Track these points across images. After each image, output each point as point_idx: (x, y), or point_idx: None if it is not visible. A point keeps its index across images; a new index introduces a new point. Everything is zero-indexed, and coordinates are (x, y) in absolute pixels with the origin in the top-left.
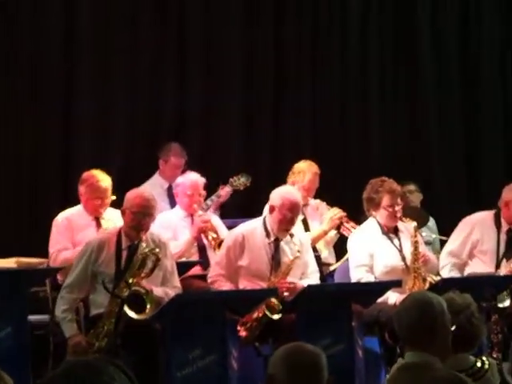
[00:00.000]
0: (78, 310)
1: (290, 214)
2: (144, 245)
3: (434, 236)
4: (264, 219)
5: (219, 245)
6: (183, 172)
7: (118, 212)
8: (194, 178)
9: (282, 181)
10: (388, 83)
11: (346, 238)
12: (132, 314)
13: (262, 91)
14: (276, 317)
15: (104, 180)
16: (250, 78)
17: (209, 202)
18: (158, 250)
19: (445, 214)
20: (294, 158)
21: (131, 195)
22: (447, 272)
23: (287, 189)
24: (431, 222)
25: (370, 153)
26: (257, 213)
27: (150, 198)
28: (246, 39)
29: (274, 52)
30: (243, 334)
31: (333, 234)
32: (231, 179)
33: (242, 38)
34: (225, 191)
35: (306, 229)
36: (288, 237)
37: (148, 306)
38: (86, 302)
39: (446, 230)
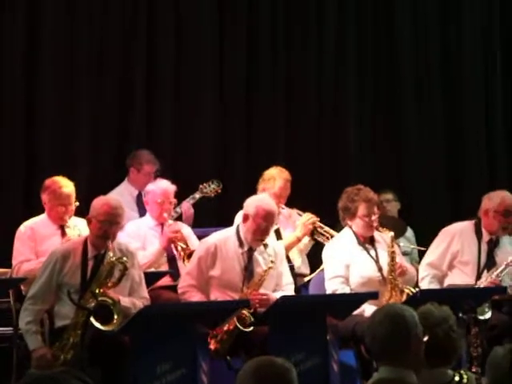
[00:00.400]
0: (42, 321)
1: (264, 224)
2: (111, 254)
3: (411, 247)
4: (237, 228)
5: (189, 256)
6: (154, 179)
7: (83, 220)
8: (164, 186)
9: (256, 188)
10: (368, 88)
11: (321, 246)
12: (99, 325)
13: (235, 95)
14: (247, 329)
15: (67, 186)
16: (221, 82)
17: (178, 209)
18: (125, 258)
19: (423, 223)
20: (267, 163)
21: (97, 203)
22: (427, 284)
23: (262, 197)
24: (409, 233)
25: (346, 160)
26: (229, 221)
27: (117, 206)
28: (218, 42)
29: (246, 53)
30: (214, 346)
31: (306, 240)
32: (201, 186)
33: (214, 39)
34: (184, 207)
35: (279, 238)
36: (262, 247)
37: (115, 317)
38: (50, 313)
39: (424, 240)
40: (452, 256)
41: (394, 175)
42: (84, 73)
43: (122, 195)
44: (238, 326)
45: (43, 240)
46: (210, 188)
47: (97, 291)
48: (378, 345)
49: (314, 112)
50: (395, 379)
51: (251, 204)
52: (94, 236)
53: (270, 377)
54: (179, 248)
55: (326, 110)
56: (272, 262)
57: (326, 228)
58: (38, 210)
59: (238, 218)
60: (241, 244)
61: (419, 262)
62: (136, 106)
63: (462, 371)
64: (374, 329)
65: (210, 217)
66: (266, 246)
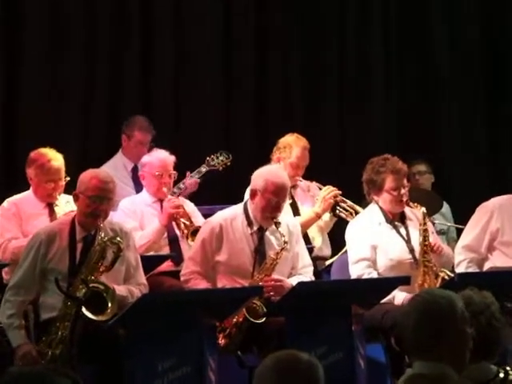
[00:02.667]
0: (26, 314)
1: (275, 199)
2: (102, 234)
3: (448, 224)
4: (245, 205)
5: (193, 233)
6: (149, 150)
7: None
8: (162, 157)
9: (268, 160)
10: (396, 58)
11: (344, 223)
12: (91, 315)
13: (243, 51)
14: (259, 321)
15: (56, 159)
16: (228, 35)
17: (175, 189)
18: (119, 239)
19: (461, 198)
20: (282, 132)
21: (85, 177)
22: (463, 269)
23: (271, 169)
24: (445, 208)
25: (372, 126)
26: (238, 198)
27: (108, 180)
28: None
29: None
30: (222, 341)
31: (327, 217)
32: (208, 158)
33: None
34: (189, 183)
35: (296, 214)
36: (273, 226)
37: (109, 305)
38: (35, 304)
39: (462, 217)
40: (491, 236)
41: (427, 145)
42: (77, 29)
43: (115, 169)
44: (248, 317)
45: (28, 220)
46: (218, 160)
47: (87, 277)
48: (408, 337)
49: (334, 73)
50: (431, 375)
51: (259, 177)
52: (83, 214)
53: (295, 374)
54: (182, 226)
55: (349, 72)
56: (285, 242)
57: (350, 203)
58: (20, 186)
59: (248, 193)
60: (250, 223)
61: (457, 241)
62: (132, 66)
63: (507, 367)
64: (404, 319)
65: (217, 193)
66: (278, 224)
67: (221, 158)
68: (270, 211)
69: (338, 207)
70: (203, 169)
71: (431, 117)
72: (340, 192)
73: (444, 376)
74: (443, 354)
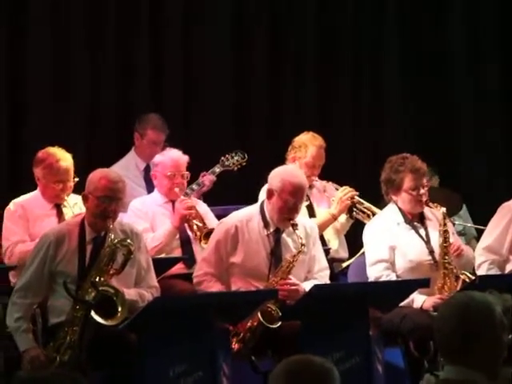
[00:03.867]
0: (34, 317)
1: (292, 200)
2: (112, 236)
3: (468, 225)
4: (262, 206)
5: (206, 235)
6: (163, 150)
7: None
8: (175, 157)
9: (283, 160)
10: (411, 53)
11: (361, 225)
12: (100, 320)
13: (256, 50)
14: (274, 326)
15: (65, 159)
16: (240, 33)
17: (188, 190)
18: (129, 241)
19: (480, 200)
20: (298, 131)
21: (95, 177)
22: (485, 272)
23: (288, 169)
24: (463, 210)
25: (389, 126)
26: (252, 199)
27: (118, 180)
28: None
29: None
30: (236, 346)
31: (343, 219)
32: (222, 158)
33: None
34: (207, 179)
35: (312, 215)
36: (290, 227)
37: (119, 309)
38: (43, 307)
39: (481, 219)
40: None
41: (444, 143)
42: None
43: (127, 169)
44: (263, 321)
45: (36, 221)
46: (233, 160)
47: (97, 280)
48: (440, 340)
49: (350, 71)
50: (460, 381)
51: (276, 177)
52: (92, 215)
53: (309, 379)
54: (194, 227)
55: (365, 68)
56: (302, 244)
57: (367, 204)
58: (26, 187)
59: (263, 194)
60: (266, 224)
61: (478, 241)
62: (144, 66)
63: None
64: (437, 321)
65: (231, 193)
66: (295, 226)
67: (236, 157)
68: (287, 212)
69: (355, 209)
70: (217, 169)
71: (448, 115)
72: (357, 193)
73: (476, 383)
74: (477, 360)
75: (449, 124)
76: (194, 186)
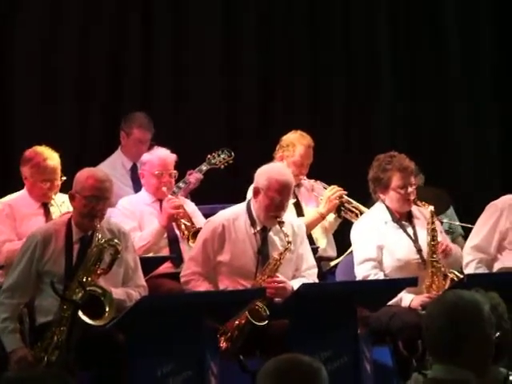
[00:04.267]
0: (21, 317)
1: (278, 197)
2: (100, 235)
3: (456, 223)
4: (248, 204)
5: (194, 235)
6: (150, 148)
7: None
8: (162, 155)
9: (271, 158)
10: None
11: (349, 224)
12: (88, 320)
13: (247, 46)
14: (262, 324)
15: (52, 158)
16: (230, 30)
17: (175, 189)
18: (116, 240)
19: (467, 198)
20: (284, 130)
21: (82, 176)
22: (472, 270)
23: (274, 166)
24: (449, 209)
25: (378, 124)
26: (240, 197)
27: (105, 179)
28: None
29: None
30: (224, 345)
31: (332, 218)
32: (209, 156)
33: None
34: (194, 177)
35: (300, 214)
36: (277, 225)
37: (107, 309)
38: (30, 307)
39: (469, 217)
40: (501, 236)
41: (437, 144)
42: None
43: (113, 167)
44: (251, 320)
45: (23, 220)
46: (220, 158)
47: (84, 280)
48: (429, 339)
49: (341, 66)
50: (449, 381)
51: (262, 175)
52: (79, 215)
53: (297, 378)
54: (182, 226)
55: (356, 68)
56: (289, 242)
57: (355, 203)
58: (14, 186)
59: (251, 192)
60: (253, 223)
61: (465, 238)
62: (131, 62)
63: None
64: (426, 319)
65: (219, 192)
66: (281, 223)
67: (222, 155)
68: (274, 210)
69: (343, 208)
70: (204, 167)
71: (440, 116)
72: (345, 192)
73: (464, 382)
74: (466, 359)
75: (441, 123)
76: (181, 184)
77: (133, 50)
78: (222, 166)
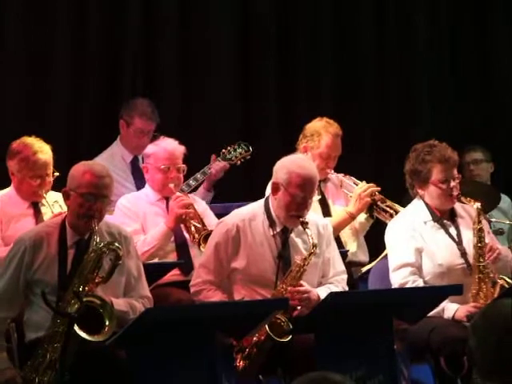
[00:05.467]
0: (8, 334)
1: (300, 194)
2: (98, 238)
3: (507, 222)
4: (266, 202)
5: (205, 238)
6: (154, 139)
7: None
8: (170, 147)
9: (293, 150)
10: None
11: (383, 225)
12: (85, 335)
13: (264, 28)
14: (284, 340)
15: (43, 151)
16: (248, 14)
17: (191, 181)
18: (117, 244)
19: None
20: (308, 118)
21: (77, 171)
22: None
23: (297, 158)
24: (505, 203)
25: (417, 108)
26: (258, 196)
27: (104, 174)
28: None
29: None
30: (241, 364)
31: (363, 218)
32: (224, 150)
33: None
34: (217, 166)
35: (326, 213)
36: (300, 226)
37: (107, 323)
38: (19, 323)
39: None
40: None
41: (483, 128)
42: None
43: (112, 161)
44: (271, 335)
45: (10, 222)
46: (236, 153)
47: (80, 289)
48: (475, 355)
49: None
50: None
51: (282, 168)
52: (74, 215)
53: None
54: (192, 229)
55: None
56: (314, 245)
57: (390, 202)
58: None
59: (270, 189)
60: (271, 223)
61: None
62: (133, 43)
63: None
64: (472, 333)
65: (234, 189)
66: (304, 224)
67: (239, 150)
68: (296, 209)
69: (376, 207)
70: (220, 162)
71: (488, 97)
72: (379, 189)
73: None
74: None
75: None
76: (199, 175)
77: (133, 19)
78: (239, 162)
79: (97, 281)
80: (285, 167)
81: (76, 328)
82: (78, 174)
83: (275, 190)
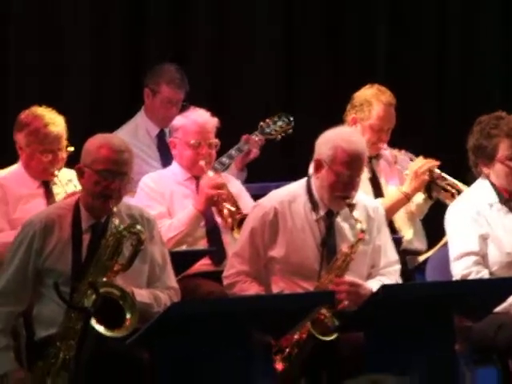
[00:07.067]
0: (16, 330)
1: (347, 172)
2: (117, 221)
3: None
4: (308, 182)
5: (240, 223)
6: (183, 110)
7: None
8: (201, 120)
9: (341, 122)
10: None
11: (443, 207)
12: (103, 331)
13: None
14: (329, 338)
15: (55, 123)
16: None
17: (225, 159)
18: (139, 227)
19: None
20: (358, 85)
21: (93, 145)
22: None
23: (342, 131)
24: None
25: (481, 73)
26: (299, 173)
27: (123, 149)
28: None
29: None
30: (280, 366)
31: (420, 199)
32: (262, 123)
33: None
34: (254, 142)
35: (378, 193)
36: (347, 209)
37: (128, 316)
38: (28, 318)
39: None
40: None
41: None
42: None
43: (134, 135)
44: (314, 333)
45: (18, 204)
46: (276, 127)
47: (97, 279)
48: None
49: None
50: None
51: (325, 143)
52: (90, 195)
53: None
54: (225, 212)
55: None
56: (362, 230)
57: (451, 180)
58: (8, 158)
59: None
60: (314, 206)
61: None
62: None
63: None
64: None
65: (272, 166)
66: (351, 206)
67: (279, 123)
68: (342, 189)
69: (435, 186)
70: (257, 137)
71: None
72: (438, 163)
73: None
74: None
75: None
76: (233, 152)
77: None
78: (279, 137)
79: (116, 269)
80: (329, 141)
81: (93, 322)
82: (94, 148)
83: (318, 167)
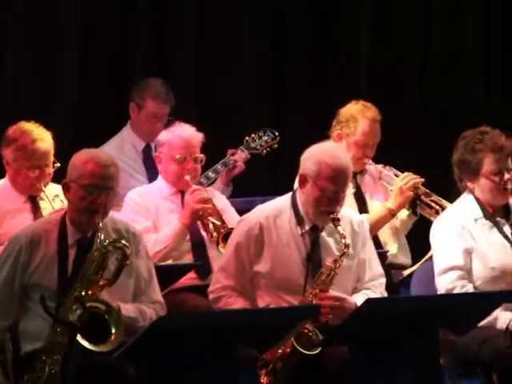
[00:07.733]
0: (2, 345)
1: (332, 187)
2: (102, 236)
3: None
4: (293, 197)
5: (225, 237)
6: (168, 125)
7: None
8: (186, 135)
9: (326, 137)
10: None
11: (428, 222)
12: (88, 346)
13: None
14: (313, 352)
15: (43, 139)
16: None
17: (210, 173)
18: (124, 242)
19: None
20: (343, 101)
21: (79, 159)
22: None
23: (327, 147)
24: None
25: (467, 88)
26: (284, 188)
27: (109, 163)
28: None
29: None
30: (265, 380)
31: (404, 215)
32: (247, 138)
33: None
34: (238, 157)
35: (362, 209)
36: (331, 223)
37: (113, 331)
38: (14, 332)
39: None
40: None
41: None
42: None
43: (121, 149)
44: (298, 347)
45: (4, 219)
46: (261, 142)
47: (83, 293)
48: None
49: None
50: None
51: (310, 158)
52: (76, 210)
53: None
54: (210, 226)
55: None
56: (346, 245)
57: (435, 197)
58: None
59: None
60: (300, 221)
61: None
62: (146, 15)
63: None
64: None
65: (257, 181)
66: (336, 221)
67: (265, 138)
68: (326, 204)
69: (420, 202)
70: (242, 153)
71: None
72: (422, 180)
73: None
74: None
75: None
76: (219, 167)
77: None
78: (264, 152)
79: (101, 283)
80: (313, 156)
81: (78, 337)
82: (80, 163)
83: (303, 182)
